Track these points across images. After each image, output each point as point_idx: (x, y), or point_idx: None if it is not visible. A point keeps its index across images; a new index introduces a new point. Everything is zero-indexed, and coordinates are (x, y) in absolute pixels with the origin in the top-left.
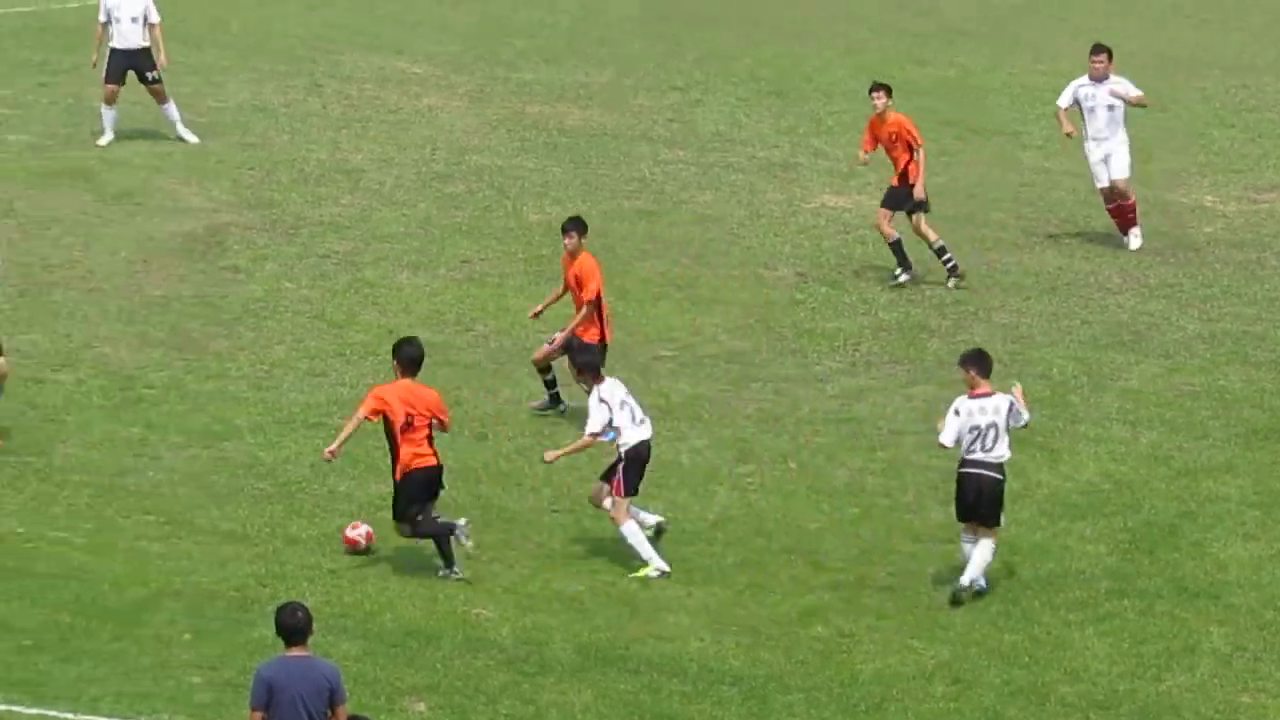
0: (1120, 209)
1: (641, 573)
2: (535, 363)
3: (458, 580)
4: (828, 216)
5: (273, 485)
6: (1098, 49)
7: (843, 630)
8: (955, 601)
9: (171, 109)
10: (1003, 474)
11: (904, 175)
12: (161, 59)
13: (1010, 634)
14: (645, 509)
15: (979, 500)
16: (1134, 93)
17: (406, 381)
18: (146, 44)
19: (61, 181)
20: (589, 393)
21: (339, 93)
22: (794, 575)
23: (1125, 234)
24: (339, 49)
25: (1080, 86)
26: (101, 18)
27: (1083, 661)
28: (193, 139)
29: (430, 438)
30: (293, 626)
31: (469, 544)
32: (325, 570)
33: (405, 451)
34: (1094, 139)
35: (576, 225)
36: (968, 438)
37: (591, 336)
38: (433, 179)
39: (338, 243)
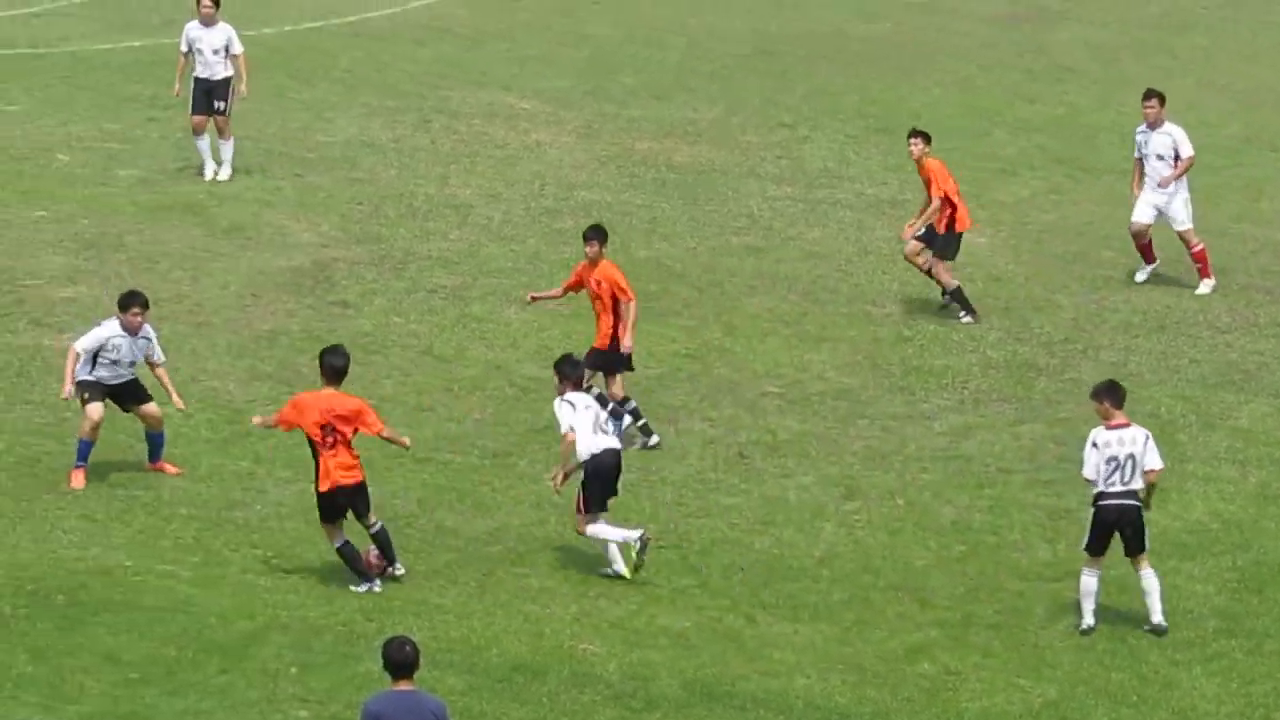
0: (1151, 246)
1: (614, 569)
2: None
3: (366, 591)
4: None
5: (382, 518)
6: (1149, 94)
7: (949, 668)
8: (1157, 633)
9: (227, 147)
10: (1140, 501)
11: (951, 221)
12: (242, 89)
13: (1117, 673)
14: (625, 524)
15: (1124, 531)
16: (1184, 152)
17: (330, 390)
18: (229, 74)
19: (171, 216)
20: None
21: (448, 128)
22: (900, 612)
23: (1200, 279)
24: (448, 85)
25: (1138, 132)
26: (183, 47)
27: (1190, 701)
28: (225, 176)
29: (352, 451)
30: (400, 661)
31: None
32: (432, 605)
33: (326, 464)
34: (1148, 184)
35: (598, 234)
36: (1105, 469)
37: (604, 341)
38: (541, 214)
39: (446, 277)
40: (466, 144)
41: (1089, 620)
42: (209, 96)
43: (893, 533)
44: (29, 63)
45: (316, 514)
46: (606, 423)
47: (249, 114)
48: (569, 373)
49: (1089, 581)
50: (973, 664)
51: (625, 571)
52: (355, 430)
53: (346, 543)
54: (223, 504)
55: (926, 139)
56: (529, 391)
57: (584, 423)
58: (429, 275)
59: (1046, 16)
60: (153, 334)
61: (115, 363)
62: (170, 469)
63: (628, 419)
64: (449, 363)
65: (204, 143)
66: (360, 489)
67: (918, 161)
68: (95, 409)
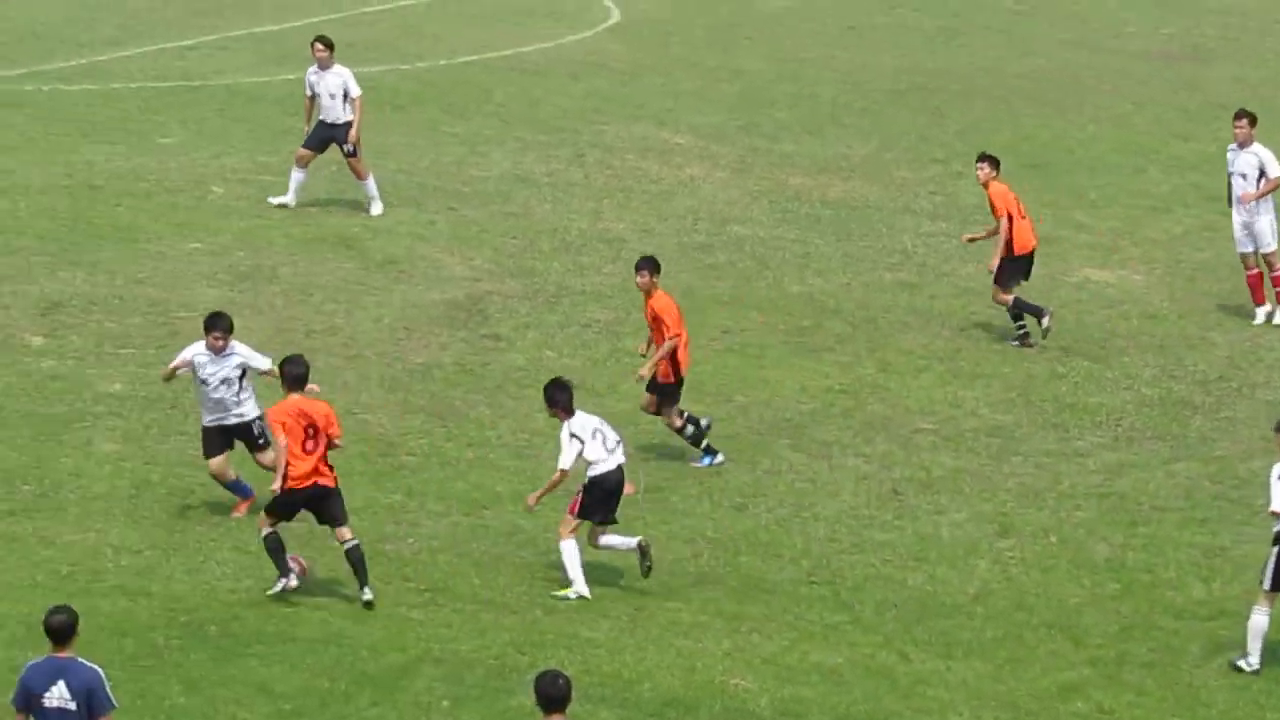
0: (1261, 278)
1: (562, 592)
2: (644, 409)
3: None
4: (1090, 290)
5: (533, 553)
6: (1239, 114)
7: (1102, 706)
8: None
9: (367, 186)
10: None
11: (1008, 244)
12: (353, 134)
13: (1273, 713)
14: (625, 533)
15: None
16: (1272, 173)
17: (296, 397)
18: (350, 118)
19: (324, 248)
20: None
21: (602, 162)
22: (1054, 650)
23: (1256, 306)
24: (603, 119)
25: (1229, 150)
26: (307, 91)
27: None
28: (376, 211)
29: (325, 454)
30: (553, 695)
31: (280, 587)
32: (584, 639)
33: (299, 465)
34: (1237, 205)
35: (648, 264)
36: None
37: (666, 373)
38: (694, 249)
39: (599, 312)
40: (620, 178)
41: (1255, 661)
42: (329, 139)
43: (1046, 570)
44: (185, 95)
45: (469, 546)
46: (616, 444)
47: (403, 148)
48: (557, 398)
49: (1259, 620)
50: (1126, 702)
51: (586, 593)
52: (329, 436)
53: (274, 533)
54: (375, 537)
55: (994, 164)
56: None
57: (596, 449)
58: (582, 309)
59: (1201, 54)
60: (244, 349)
61: (206, 383)
62: (241, 510)
63: (705, 422)
64: (601, 397)
65: (298, 175)
66: (332, 494)
67: (984, 186)
68: (215, 464)
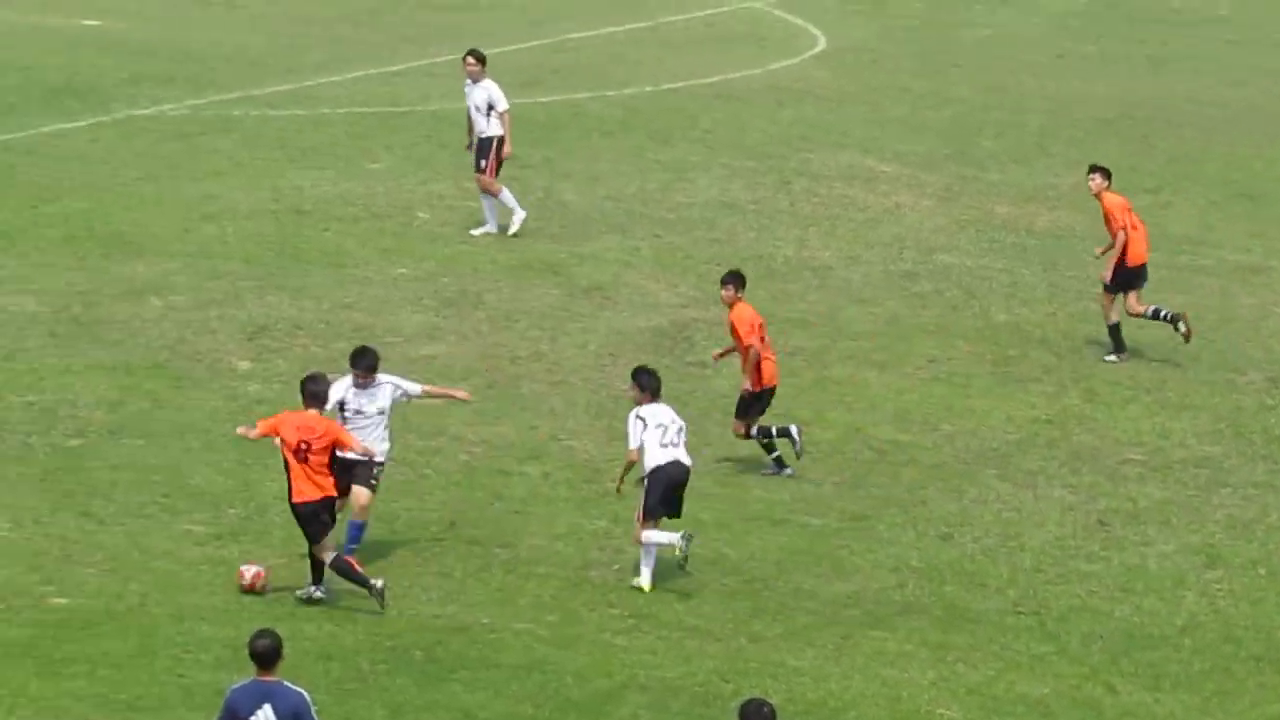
0: None
1: (634, 581)
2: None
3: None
4: None
5: (737, 581)
6: None
7: None
8: None
9: (488, 205)
10: None
11: (1122, 256)
12: (507, 149)
13: None
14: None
15: None
16: None
17: (313, 413)
18: (494, 133)
19: (530, 274)
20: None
21: (808, 190)
22: (1263, 683)
23: None
24: (808, 146)
25: None
26: (468, 105)
27: None
28: (478, 231)
29: (330, 467)
30: None
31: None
32: (789, 667)
33: (299, 479)
34: None
35: (732, 279)
36: None
37: (755, 383)
38: (900, 277)
39: (804, 339)
40: (826, 206)
41: None
42: (480, 155)
43: (1255, 603)
44: (392, 121)
45: (673, 573)
46: (678, 435)
47: (609, 174)
48: (645, 383)
49: None
50: None
51: (646, 586)
52: (329, 447)
53: (339, 555)
54: (580, 563)
55: (1105, 174)
56: (887, 455)
57: (652, 440)
58: (787, 337)
59: None
60: (391, 378)
61: (361, 411)
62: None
63: (794, 431)
64: (807, 425)
65: (489, 200)
66: (327, 504)
67: (1097, 197)
68: (360, 493)
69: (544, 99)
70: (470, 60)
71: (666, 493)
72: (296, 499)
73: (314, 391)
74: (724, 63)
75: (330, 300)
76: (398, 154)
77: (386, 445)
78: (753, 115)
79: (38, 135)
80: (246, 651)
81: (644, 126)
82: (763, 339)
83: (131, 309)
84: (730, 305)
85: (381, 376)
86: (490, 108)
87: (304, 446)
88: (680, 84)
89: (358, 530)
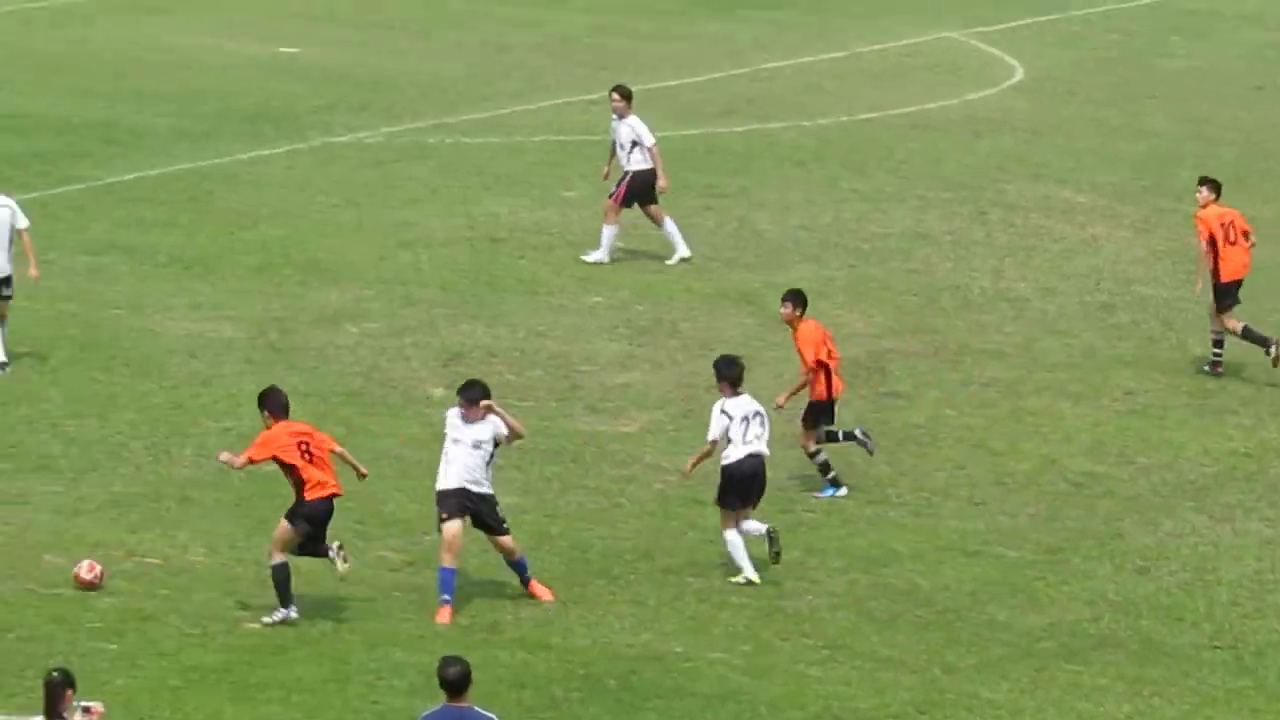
0: None
1: (734, 578)
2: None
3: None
4: None
5: (931, 612)
6: None
7: None
8: None
9: (605, 231)
10: None
11: (1214, 271)
12: (662, 183)
13: None
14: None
15: None
16: None
17: (285, 422)
18: (635, 168)
19: (725, 303)
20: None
21: (1004, 221)
22: None
23: None
24: (1005, 177)
25: None
26: (612, 139)
27: None
28: (591, 258)
29: (330, 466)
30: None
31: (344, 566)
32: (983, 699)
33: (313, 477)
34: None
35: (790, 297)
36: None
37: (818, 393)
38: (1096, 309)
39: (1000, 371)
40: (1022, 237)
41: None
42: (645, 188)
43: None
44: (587, 149)
45: (868, 604)
46: (760, 427)
47: (803, 204)
48: (724, 372)
49: None
50: None
51: (754, 578)
52: (323, 444)
53: (284, 564)
54: (774, 593)
55: (1213, 187)
56: (1083, 487)
57: (735, 435)
58: (983, 368)
59: None
60: (497, 418)
61: (458, 441)
62: (542, 593)
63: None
64: (1001, 456)
65: (669, 228)
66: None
67: (1203, 208)
68: (451, 528)
69: (739, 128)
70: (615, 96)
71: (741, 487)
72: (321, 493)
73: (284, 403)
74: (920, 93)
75: (525, 328)
76: (593, 182)
77: (480, 476)
78: (949, 145)
79: (235, 162)
80: (437, 679)
81: (839, 156)
82: (830, 352)
83: (326, 336)
84: (792, 324)
85: (492, 414)
86: (634, 144)
87: (304, 446)
88: (876, 114)
89: (523, 564)
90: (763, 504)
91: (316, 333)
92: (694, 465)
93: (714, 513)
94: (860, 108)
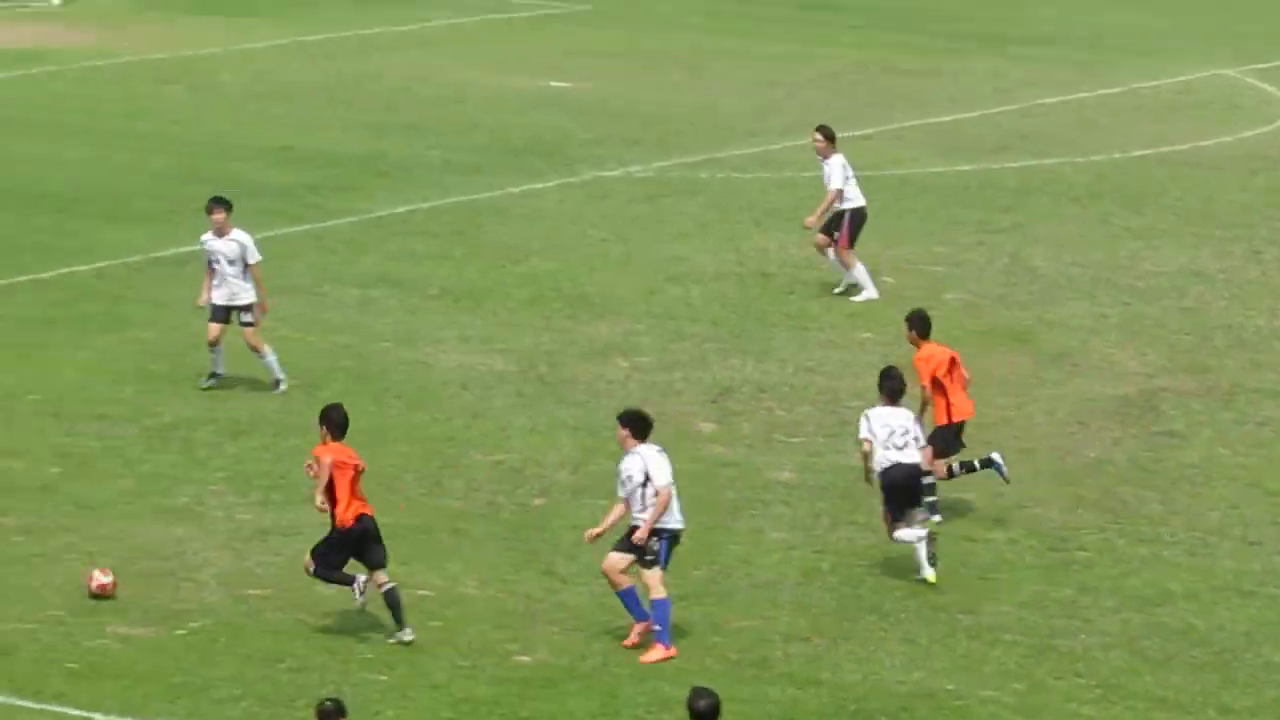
0: None
1: (921, 575)
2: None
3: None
4: None
5: (1207, 653)
6: None
7: None
8: None
9: (855, 272)
10: None
11: None
12: (809, 219)
13: None
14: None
15: None
16: None
17: (341, 445)
18: (850, 205)
19: (997, 340)
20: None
21: (1279, 259)
22: None
23: None
24: None
25: None
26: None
27: None
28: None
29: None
30: None
31: (360, 599)
32: None
33: (354, 502)
34: None
35: (908, 319)
36: None
37: (940, 418)
38: None
39: (1275, 410)
40: None
41: None
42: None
43: None
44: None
45: (1142, 644)
46: (902, 436)
47: (1077, 240)
48: (882, 384)
49: None
50: None
51: (930, 578)
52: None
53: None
54: (1046, 631)
55: None
56: None
57: (879, 439)
58: (1258, 408)
59: None
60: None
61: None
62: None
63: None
64: (1277, 496)
65: (857, 269)
66: (373, 520)
67: None
68: (646, 575)
69: (1013, 164)
70: (818, 137)
71: (895, 494)
72: (358, 514)
73: (340, 421)
74: (1195, 130)
75: (794, 363)
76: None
77: (638, 509)
78: (1223, 183)
79: (506, 195)
80: (687, 711)
81: (1113, 193)
82: (950, 374)
83: (596, 370)
84: (916, 346)
85: (642, 448)
86: (828, 183)
87: (357, 470)
88: (1150, 151)
89: (664, 611)
90: (1034, 542)
91: (586, 366)
92: (866, 472)
93: (985, 549)
94: (1134, 144)
